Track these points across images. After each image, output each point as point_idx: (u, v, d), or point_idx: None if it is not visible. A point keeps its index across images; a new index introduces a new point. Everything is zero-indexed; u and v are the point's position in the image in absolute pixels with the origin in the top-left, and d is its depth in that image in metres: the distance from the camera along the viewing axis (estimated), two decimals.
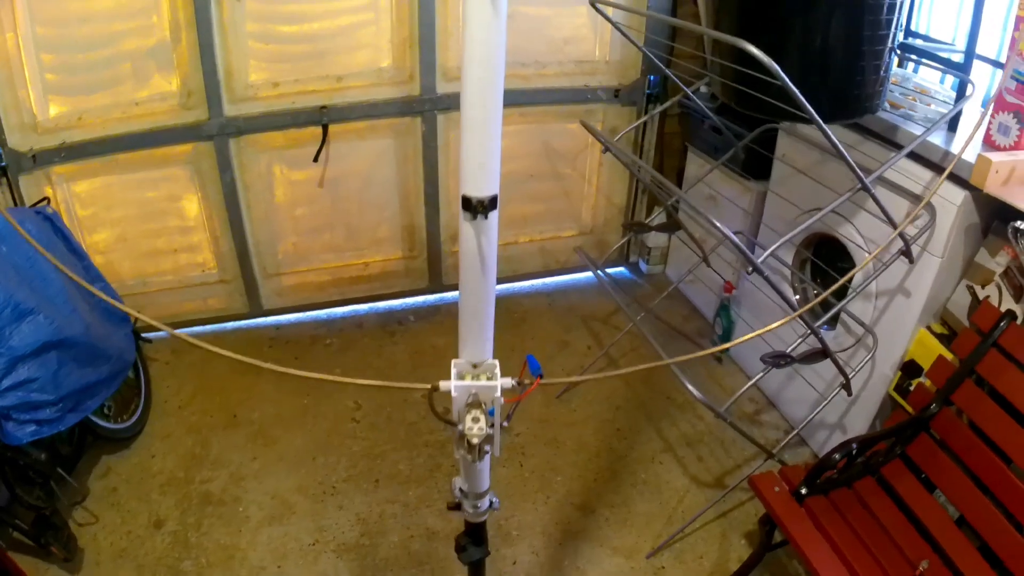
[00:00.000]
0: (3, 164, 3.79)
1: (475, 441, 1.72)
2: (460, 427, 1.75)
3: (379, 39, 4.16)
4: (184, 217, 4.35)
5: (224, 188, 4.25)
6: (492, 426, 1.76)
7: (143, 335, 4.17)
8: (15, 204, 3.86)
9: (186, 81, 3.93)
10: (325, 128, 4.24)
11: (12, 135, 3.79)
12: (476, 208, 1.56)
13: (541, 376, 1.75)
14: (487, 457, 1.94)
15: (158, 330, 4.43)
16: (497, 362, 1.81)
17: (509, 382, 1.76)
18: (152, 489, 3.61)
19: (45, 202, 3.75)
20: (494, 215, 1.60)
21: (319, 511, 3.54)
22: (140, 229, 4.30)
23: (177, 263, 4.47)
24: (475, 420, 1.73)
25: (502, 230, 4.89)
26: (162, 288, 4.49)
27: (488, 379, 1.77)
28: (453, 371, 1.78)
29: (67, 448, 3.53)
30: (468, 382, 1.76)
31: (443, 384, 1.74)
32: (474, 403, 1.75)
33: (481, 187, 1.56)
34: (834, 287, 2.63)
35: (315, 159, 4.31)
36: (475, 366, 1.80)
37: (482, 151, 1.54)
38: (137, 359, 4.05)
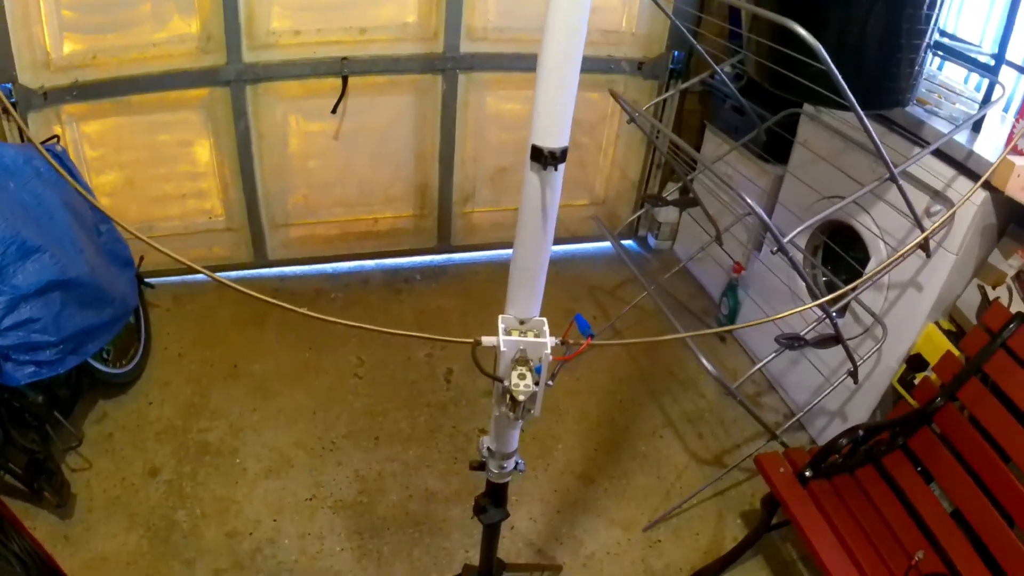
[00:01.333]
0: (13, 100, 3.72)
1: (521, 398, 1.69)
2: (506, 383, 1.72)
3: None
4: (195, 163, 4.31)
5: (238, 135, 4.21)
6: (537, 384, 1.73)
7: (146, 280, 4.13)
8: (23, 141, 3.79)
9: (206, 24, 3.88)
10: (345, 80, 4.19)
11: (24, 72, 3.72)
12: (547, 159, 1.53)
13: (592, 336, 1.75)
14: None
15: (162, 275, 4.40)
16: (545, 320, 1.78)
17: (555, 340, 1.75)
18: (148, 437, 3.58)
19: (55, 140, 3.70)
20: (562, 168, 1.57)
21: (317, 466, 3.52)
22: (149, 173, 4.25)
23: (184, 209, 4.43)
24: (521, 377, 1.71)
25: (512, 195, 4.88)
26: (167, 233, 4.44)
27: (536, 336, 1.74)
28: (500, 326, 1.76)
29: (64, 391, 3.49)
30: (517, 337, 1.73)
31: (487, 340, 1.72)
32: (521, 359, 1.73)
33: (553, 138, 1.53)
34: (861, 280, 2.62)
35: (333, 111, 4.27)
36: (522, 322, 1.77)
37: (557, 101, 1.51)
38: (139, 304, 4.02)
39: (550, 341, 1.73)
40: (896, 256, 3.02)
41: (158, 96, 4.00)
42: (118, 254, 3.72)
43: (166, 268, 4.41)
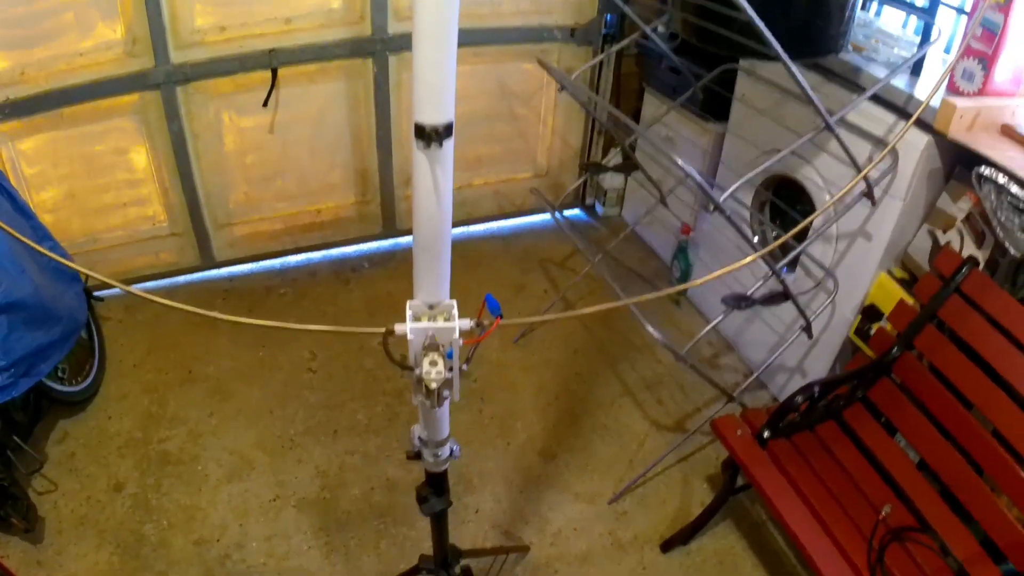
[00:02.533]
0: None
1: (433, 386, 1.64)
2: (417, 371, 1.67)
3: None
4: (132, 170, 4.25)
5: (172, 138, 4.15)
6: (451, 369, 1.68)
7: (94, 294, 4.09)
8: None
9: (131, 28, 3.81)
10: (274, 72, 4.14)
11: None
12: (430, 135, 1.46)
13: (501, 316, 1.69)
14: (446, 403, 1.87)
15: (110, 287, 4.37)
16: (455, 302, 1.73)
17: (467, 323, 1.70)
18: (110, 452, 3.56)
19: None
20: (449, 144, 1.50)
21: (278, 466, 3.52)
22: (88, 184, 4.19)
23: (127, 217, 4.38)
24: (432, 364, 1.64)
25: (457, 172, 4.81)
26: (113, 244, 4.39)
27: (445, 320, 1.69)
28: (408, 312, 1.70)
29: (21, 415, 3.45)
30: (425, 323, 1.67)
31: (398, 327, 1.65)
32: (431, 346, 1.67)
33: (436, 113, 1.46)
34: (797, 229, 2.60)
35: (264, 104, 4.22)
36: (431, 307, 1.71)
37: (436, 74, 1.44)
38: (89, 318, 3.97)
39: (459, 325, 1.68)
40: (831, 201, 3.02)
41: (90, 106, 3.93)
42: (64, 270, 3.66)
43: (118, 277, 4.36)
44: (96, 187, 4.21)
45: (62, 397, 3.61)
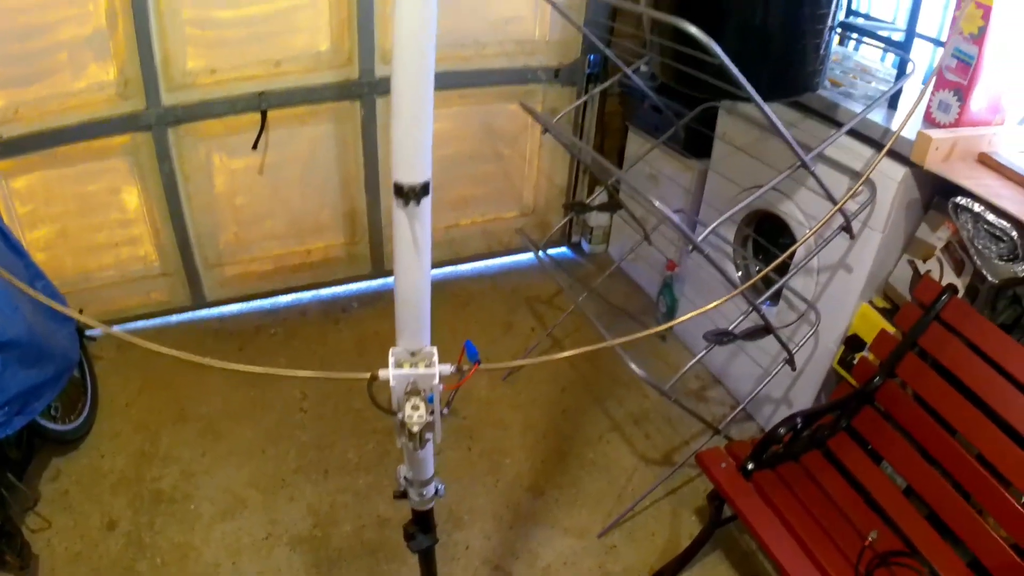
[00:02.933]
0: None
1: (415, 429, 1.71)
2: (400, 416, 1.74)
3: (317, 21, 4.12)
4: (124, 210, 4.29)
5: (163, 179, 4.20)
6: (432, 413, 1.75)
7: (87, 333, 4.12)
8: None
9: (123, 70, 3.86)
10: (264, 114, 4.20)
11: None
12: (408, 195, 1.53)
13: (479, 362, 1.75)
14: (429, 444, 1.93)
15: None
16: (435, 349, 1.78)
17: (448, 369, 1.75)
18: (103, 490, 3.57)
19: None
20: (427, 202, 1.57)
21: (271, 504, 3.54)
22: (81, 224, 4.23)
23: (119, 257, 4.41)
24: (415, 408, 1.72)
25: (444, 212, 4.93)
26: (104, 283, 4.43)
27: (426, 367, 1.75)
28: (391, 360, 1.76)
29: (15, 452, 3.46)
30: (406, 370, 1.73)
31: (382, 373, 1.72)
32: (413, 391, 1.73)
33: (413, 173, 1.52)
34: (775, 264, 2.65)
35: (254, 146, 4.28)
36: (413, 354, 1.77)
37: (413, 136, 1.50)
38: (82, 357, 3.99)
39: (439, 370, 1.74)
40: (808, 235, 3.07)
41: (83, 145, 3.98)
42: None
43: (106, 319, 4.38)
44: (89, 226, 4.25)
45: (55, 435, 3.63)
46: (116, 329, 1.79)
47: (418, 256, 1.64)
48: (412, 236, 1.60)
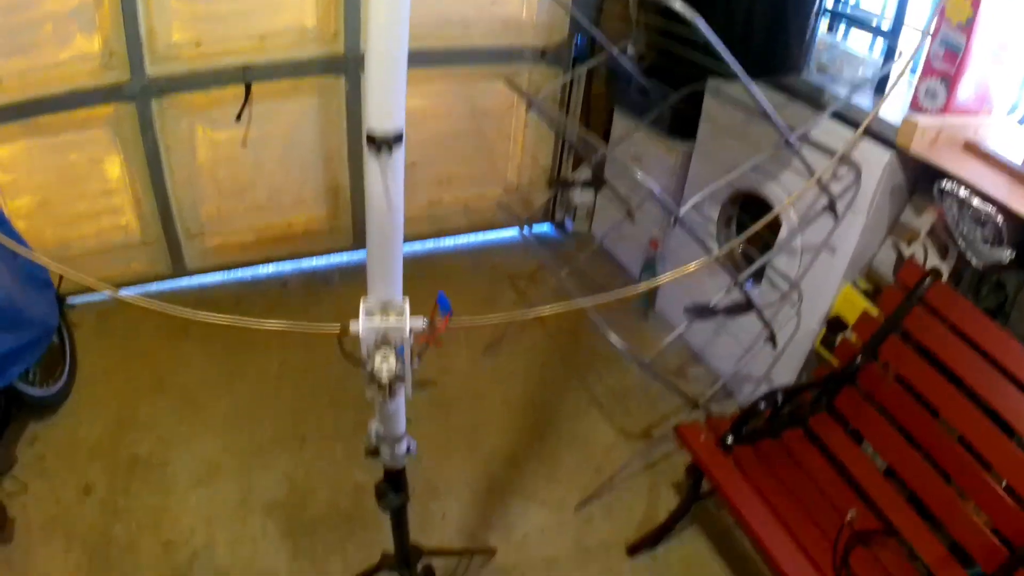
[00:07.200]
0: None
1: (384, 379, 1.71)
2: (369, 366, 1.74)
3: None
4: (106, 180, 4.27)
5: (146, 150, 4.19)
6: (402, 365, 1.75)
7: (66, 300, 4.11)
8: None
9: (108, 41, 3.85)
10: (248, 87, 4.19)
11: None
12: (380, 144, 1.52)
13: (451, 314, 1.76)
14: (401, 398, 1.95)
15: (83, 294, 4.39)
16: (407, 300, 1.79)
17: (419, 321, 1.76)
18: (80, 455, 3.57)
19: None
20: (399, 152, 1.56)
21: (246, 471, 3.54)
22: (62, 193, 4.22)
23: (100, 227, 4.40)
24: (384, 359, 1.72)
25: (427, 188, 4.92)
26: (85, 252, 4.41)
27: (397, 318, 1.75)
28: (361, 310, 1.76)
29: None
30: (377, 322, 1.74)
31: (353, 325, 1.73)
32: (383, 341, 1.74)
33: (386, 122, 1.51)
34: (750, 231, 2.66)
35: (237, 118, 4.26)
36: (384, 305, 1.78)
37: (387, 84, 1.48)
38: (61, 324, 3.99)
39: (410, 322, 1.74)
40: (772, 214, 3.06)
41: (66, 116, 3.96)
42: (37, 276, 3.68)
43: (87, 287, 4.37)
44: (70, 196, 4.23)
45: (33, 400, 3.62)
46: (124, 293, 1.78)
47: (389, 206, 1.63)
48: (384, 186, 1.59)
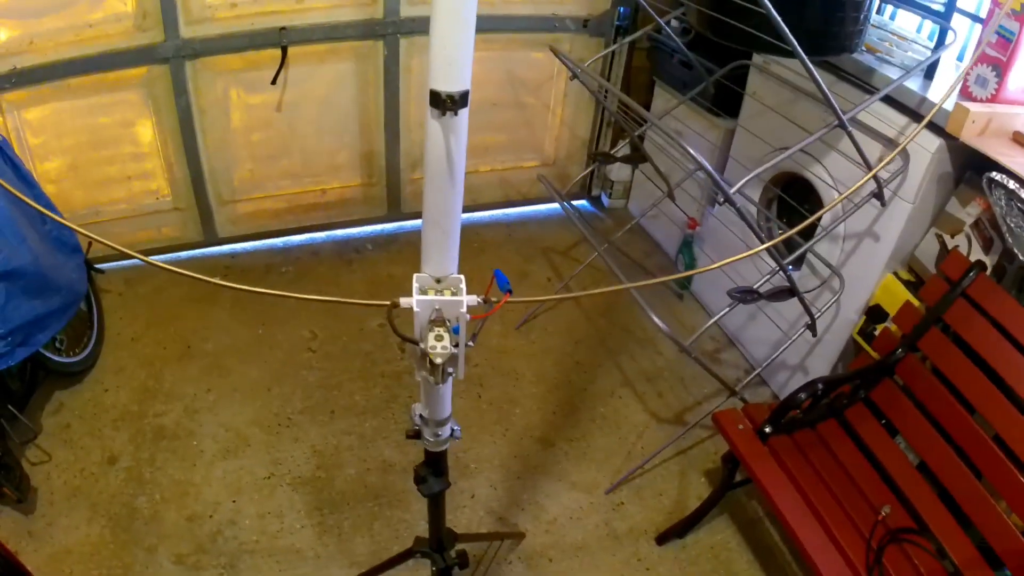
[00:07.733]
0: None
1: (438, 361, 1.63)
2: (422, 345, 1.66)
3: None
4: (137, 143, 4.22)
5: (179, 113, 4.13)
6: (456, 345, 1.67)
7: (95, 266, 4.07)
8: None
9: (142, 2, 3.78)
10: (284, 50, 4.12)
11: None
12: (445, 103, 1.45)
13: (511, 292, 1.67)
14: (449, 380, 1.84)
15: (112, 260, 4.35)
16: (463, 276, 1.71)
17: (475, 299, 1.68)
18: (105, 424, 3.53)
19: None
20: (464, 113, 1.49)
21: (274, 444, 3.50)
22: (92, 156, 4.17)
23: (130, 191, 4.35)
24: (438, 338, 1.64)
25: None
26: (115, 217, 4.37)
27: (453, 294, 1.68)
28: (415, 285, 1.69)
29: (17, 384, 3.43)
30: (432, 297, 1.66)
31: (404, 300, 1.64)
32: (437, 320, 1.66)
33: (452, 81, 1.45)
34: (803, 225, 2.57)
35: (273, 81, 4.20)
36: (439, 281, 1.70)
37: (454, 42, 1.43)
38: (89, 290, 3.95)
39: (467, 299, 1.66)
40: (841, 197, 2.99)
41: (97, 77, 3.91)
42: (65, 241, 3.64)
43: (116, 252, 4.33)
44: (100, 159, 4.19)
45: (59, 368, 3.58)
46: (155, 259, 1.70)
47: (451, 173, 1.56)
48: (446, 150, 1.52)
